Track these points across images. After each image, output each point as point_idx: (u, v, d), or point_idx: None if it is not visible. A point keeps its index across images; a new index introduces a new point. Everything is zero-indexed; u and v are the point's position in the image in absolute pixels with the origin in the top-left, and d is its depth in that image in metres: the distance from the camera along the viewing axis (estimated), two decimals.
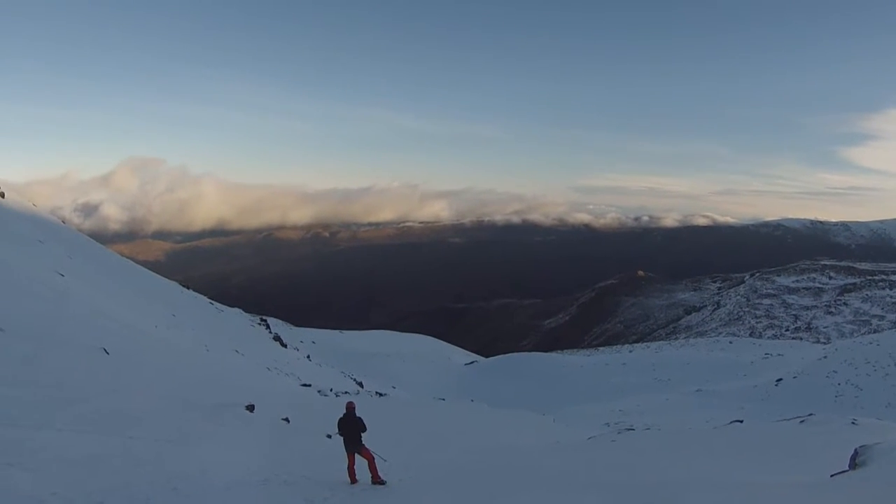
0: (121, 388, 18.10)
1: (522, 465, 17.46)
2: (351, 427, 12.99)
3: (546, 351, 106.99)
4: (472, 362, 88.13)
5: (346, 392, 40.07)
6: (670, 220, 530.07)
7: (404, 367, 76.44)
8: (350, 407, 13.30)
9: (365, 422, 13.23)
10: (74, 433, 11.89)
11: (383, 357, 79.67)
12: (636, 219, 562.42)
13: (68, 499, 8.53)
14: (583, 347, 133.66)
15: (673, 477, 13.26)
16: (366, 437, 13.57)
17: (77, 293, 38.30)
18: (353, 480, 13.02)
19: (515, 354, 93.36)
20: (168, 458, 12.41)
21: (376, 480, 12.91)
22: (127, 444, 12.42)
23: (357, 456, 13.31)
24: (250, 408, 19.64)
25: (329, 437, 19.34)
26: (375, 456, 13.21)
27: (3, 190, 71.94)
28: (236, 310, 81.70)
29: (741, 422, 27.86)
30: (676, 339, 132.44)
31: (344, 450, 13.34)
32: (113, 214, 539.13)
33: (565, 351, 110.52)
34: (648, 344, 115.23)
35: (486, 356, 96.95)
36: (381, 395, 43.06)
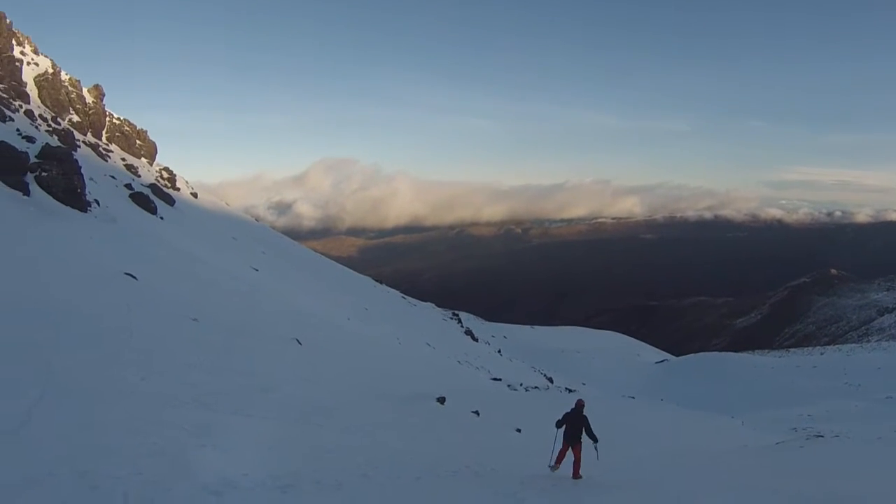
0: (312, 377, 19.06)
1: (710, 468, 17.45)
2: (576, 422, 13.69)
3: (737, 351, 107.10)
4: (662, 361, 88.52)
5: (535, 387, 40.60)
6: (863, 216, 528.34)
7: (594, 364, 77.12)
8: (579, 404, 14.02)
9: (589, 421, 13.72)
10: (266, 419, 12.41)
11: (573, 353, 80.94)
12: (828, 214, 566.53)
13: (258, 481, 8.87)
14: (774, 348, 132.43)
15: (865, 490, 12.93)
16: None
17: (270, 287, 41.51)
18: (557, 466, 13.76)
19: (706, 354, 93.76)
20: (357, 447, 12.74)
21: (576, 475, 13.52)
22: (316, 432, 12.87)
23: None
24: (441, 400, 20.33)
25: (518, 431, 19.85)
26: (587, 454, 13.75)
27: (195, 190, 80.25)
28: (429, 304, 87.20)
29: None
30: (868, 341, 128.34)
31: (554, 442, 14.02)
32: (306, 212, 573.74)
33: (756, 351, 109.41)
34: (840, 347, 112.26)
35: (677, 355, 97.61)
36: (570, 391, 43.08)
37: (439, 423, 17.81)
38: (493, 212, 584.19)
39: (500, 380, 39.27)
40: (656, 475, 15.60)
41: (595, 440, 13.56)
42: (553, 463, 13.81)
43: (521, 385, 38.73)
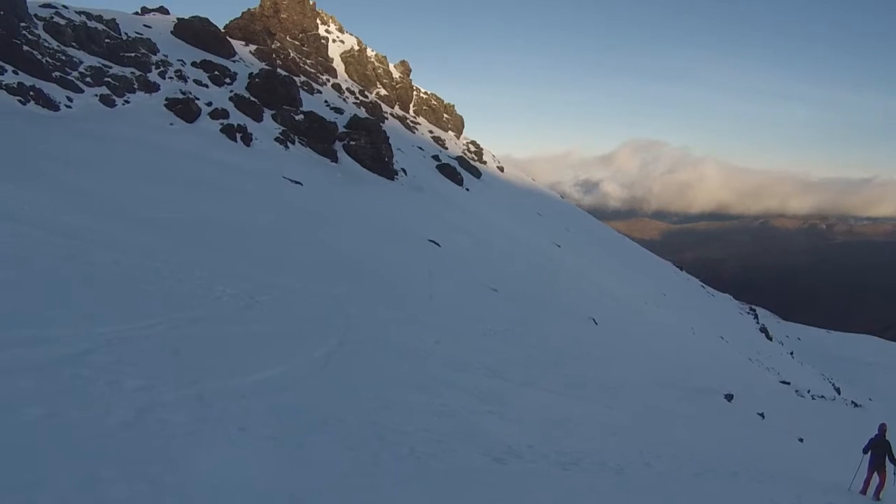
0: (604, 358, 19.31)
1: None
2: (880, 447, 13.84)
3: None
4: None
5: (821, 396, 38.93)
6: None
7: (886, 379, 69.00)
8: (882, 428, 14.13)
9: (892, 447, 13.74)
10: (555, 394, 12.60)
11: (864, 365, 73.74)
12: None
13: (541, 453, 8.98)
14: None
15: None
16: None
17: (571, 264, 42.32)
18: (864, 492, 14.00)
19: None
20: (641, 433, 12.54)
21: (876, 497, 13.88)
22: (603, 412, 12.83)
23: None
24: (728, 397, 20.59)
25: (801, 440, 19.32)
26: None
27: (502, 164, 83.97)
28: (727, 296, 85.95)
29: None
30: None
31: (859, 466, 14.22)
32: (613, 192, 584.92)
33: None
34: None
35: None
36: (856, 405, 41.32)
37: (724, 421, 17.80)
38: (799, 204, 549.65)
39: (788, 383, 38.61)
40: None
41: None
42: (860, 488, 14.02)
43: (808, 392, 37.67)
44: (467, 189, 58.19)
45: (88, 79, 31.40)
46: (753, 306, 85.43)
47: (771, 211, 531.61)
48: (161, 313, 8.67)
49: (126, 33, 38.10)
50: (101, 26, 35.72)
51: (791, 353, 65.45)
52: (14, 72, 27.02)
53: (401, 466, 6.78)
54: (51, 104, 27.24)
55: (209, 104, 36.50)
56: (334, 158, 40.34)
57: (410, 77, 77.72)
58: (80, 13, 35.52)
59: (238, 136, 35.03)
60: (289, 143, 38.43)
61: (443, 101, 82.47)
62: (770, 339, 67.63)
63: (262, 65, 49.33)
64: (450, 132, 80.00)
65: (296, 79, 49.42)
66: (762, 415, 20.67)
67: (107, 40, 35.30)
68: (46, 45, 30.61)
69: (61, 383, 5.64)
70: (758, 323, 73.97)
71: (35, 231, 10.47)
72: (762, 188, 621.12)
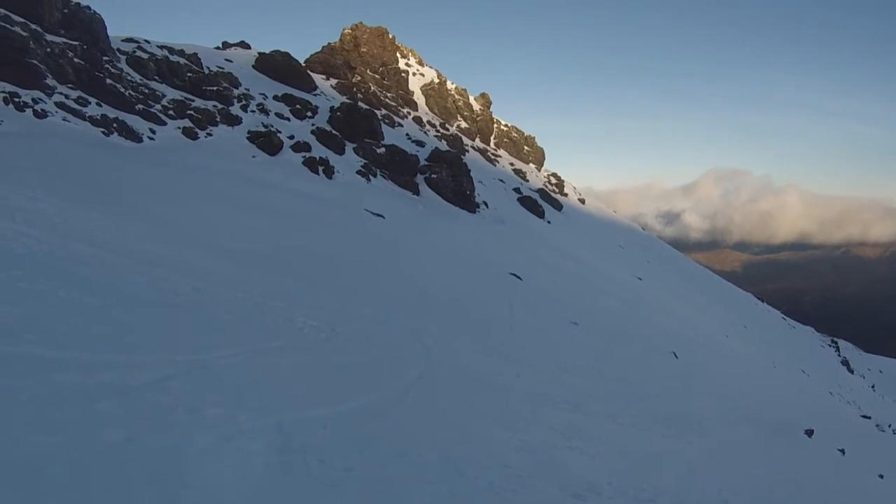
0: (684, 392, 19.04)
1: None
2: None
3: None
4: None
5: None
6: None
7: None
8: None
9: None
10: (635, 429, 12.40)
11: None
12: None
13: (620, 489, 8.81)
14: None
15: None
16: None
17: (652, 296, 41.76)
18: None
19: None
20: (721, 469, 12.27)
21: None
22: (682, 447, 12.61)
23: None
24: (809, 432, 20.18)
25: (881, 476, 18.74)
26: None
27: (583, 196, 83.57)
28: (808, 328, 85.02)
29: None
30: None
31: None
32: (694, 223, 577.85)
33: None
34: None
35: None
36: None
37: (803, 456, 17.30)
38: (881, 231, 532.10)
39: (869, 417, 37.66)
40: None
41: None
42: None
43: (889, 426, 36.95)
44: (549, 222, 58.05)
45: (171, 112, 32.61)
46: (835, 339, 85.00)
47: (853, 239, 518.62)
48: (242, 342, 8.77)
49: (208, 67, 39.57)
50: (183, 60, 37.19)
51: (872, 387, 64.91)
52: (98, 104, 28.14)
53: (479, 501, 6.71)
54: (134, 136, 28.30)
55: (291, 137, 37.42)
56: (416, 191, 40.76)
57: (491, 109, 78.30)
58: (161, 47, 37.11)
59: (320, 168, 35.77)
60: (370, 176, 39.03)
61: (523, 133, 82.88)
62: (851, 371, 67.18)
63: (344, 98, 50.45)
64: (530, 164, 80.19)
65: (377, 112, 50.37)
66: (843, 450, 20.16)
67: (189, 74, 36.67)
68: (129, 78, 31.96)
69: (142, 409, 5.71)
70: (839, 355, 73.69)
71: (118, 258, 10.79)
72: (844, 215, 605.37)
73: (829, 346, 77.98)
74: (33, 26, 27.03)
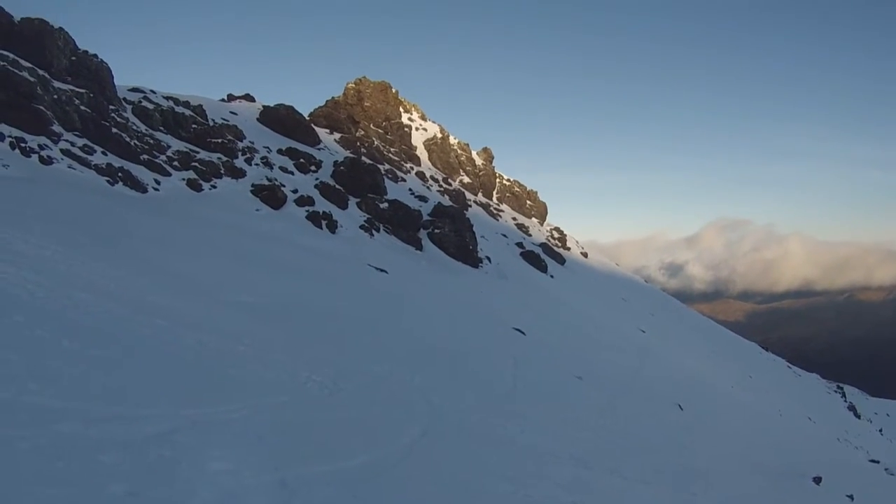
0: (689, 443, 19.07)
1: None
2: None
3: None
4: None
5: None
6: None
7: None
8: None
9: None
10: (642, 483, 12.39)
11: None
12: None
13: None
14: None
15: None
16: None
17: (656, 349, 41.71)
18: None
19: None
20: None
21: None
22: (687, 500, 12.65)
23: None
24: (817, 480, 20.16)
25: None
26: None
27: (586, 250, 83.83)
28: (814, 375, 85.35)
29: None
30: None
31: None
32: (698, 274, 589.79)
33: None
34: None
35: None
36: None
37: None
38: (885, 274, 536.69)
39: (877, 462, 37.16)
40: None
41: None
42: None
43: None
44: (552, 276, 58.17)
45: (176, 163, 32.95)
46: (841, 385, 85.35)
47: (856, 284, 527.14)
48: (246, 397, 8.72)
49: (213, 119, 40.05)
50: (188, 112, 37.68)
51: (880, 431, 64.86)
52: (103, 153, 28.45)
53: None
54: (139, 186, 28.53)
55: (295, 191, 37.71)
56: (419, 246, 40.94)
57: (493, 164, 79.02)
58: (167, 98, 37.61)
59: (324, 222, 35.98)
60: (374, 231, 39.27)
61: (525, 188, 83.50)
62: (858, 417, 67.13)
63: (347, 153, 51.00)
64: (533, 219, 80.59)
65: (380, 167, 50.85)
66: (851, 496, 20.14)
67: (194, 125, 37.14)
68: (135, 128, 32.37)
69: (146, 462, 5.67)
70: (845, 401, 73.94)
71: (122, 308, 10.79)
72: (846, 261, 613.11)
73: (835, 391, 78.54)
74: (41, 72, 27.46)
